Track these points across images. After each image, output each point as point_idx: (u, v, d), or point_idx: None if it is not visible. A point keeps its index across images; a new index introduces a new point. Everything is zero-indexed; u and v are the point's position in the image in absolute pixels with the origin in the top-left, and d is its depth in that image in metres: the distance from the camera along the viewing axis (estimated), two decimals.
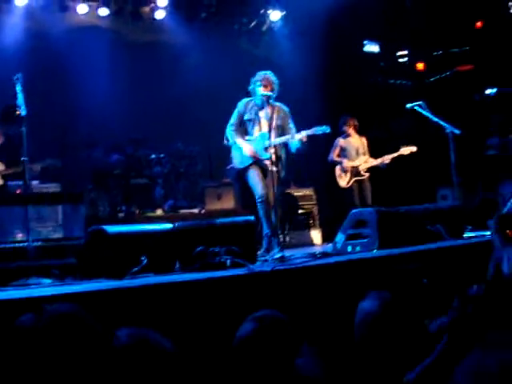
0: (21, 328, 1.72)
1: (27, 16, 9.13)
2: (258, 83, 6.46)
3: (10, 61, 7.99)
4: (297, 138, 6.31)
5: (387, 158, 8.42)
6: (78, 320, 1.73)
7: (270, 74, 6.50)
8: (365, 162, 8.63)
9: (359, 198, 8.57)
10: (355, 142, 8.77)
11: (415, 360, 2.03)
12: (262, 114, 6.52)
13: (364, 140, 8.83)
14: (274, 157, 6.13)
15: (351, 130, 8.78)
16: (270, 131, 6.31)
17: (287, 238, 8.64)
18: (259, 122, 6.51)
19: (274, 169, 6.08)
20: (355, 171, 8.61)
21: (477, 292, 2.12)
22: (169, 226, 5.10)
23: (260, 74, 6.52)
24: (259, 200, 6.32)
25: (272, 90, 6.39)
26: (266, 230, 6.29)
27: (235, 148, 6.57)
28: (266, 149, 6.36)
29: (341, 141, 8.78)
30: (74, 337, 1.68)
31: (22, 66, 5.84)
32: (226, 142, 6.68)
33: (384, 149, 8.61)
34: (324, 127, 6.37)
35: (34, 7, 9.23)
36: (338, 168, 8.73)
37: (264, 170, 6.42)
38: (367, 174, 8.61)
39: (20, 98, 5.21)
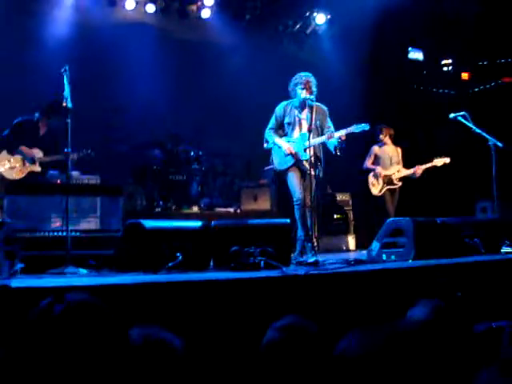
0: (38, 314, 1.74)
1: (76, 9, 9.29)
2: (299, 86, 6.44)
3: (59, 53, 8.15)
4: (335, 136, 6.27)
5: (419, 169, 8.42)
6: (96, 309, 1.74)
7: (310, 76, 6.48)
8: (397, 171, 8.65)
9: (391, 206, 8.57)
10: (390, 150, 8.80)
11: (463, 366, 2.00)
12: (302, 115, 6.52)
13: (399, 150, 8.85)
14: (313, 158, 6.13)
15: (386, 139, 8.81)
16: (309, 132, 6.29)
17: (321, 243, 8.62)
18: (299, 124, 6.51)
19: (313, 172, 6.08)
20: (388, 180, 8.62)
21: None
22: (205, 223, 5.14)
23: (301, 76, 6.49)
24: (297, 203, 6.30)
25: (312, 93, 6.37)
26: (300, 233, 6.29)
27: (275, 149, 6.57)
28: (305, 150, 6.35)
29: (376, 149, 8.83)
30: (91, 326, 1.69)
31: (70, 59, 5.93)
32: (265, 144, 6.70)
33: (422, 158, 8.52)
34: (363, 125, 6.31)
35: (83, 1, 9.38)
36: (371, 175, 8.73)
37: (303, 173, 6.40)
38: (399, 184, 8.63)
39: (66, 90, 5.29)
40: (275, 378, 1.92)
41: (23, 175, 6.83)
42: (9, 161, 6.80)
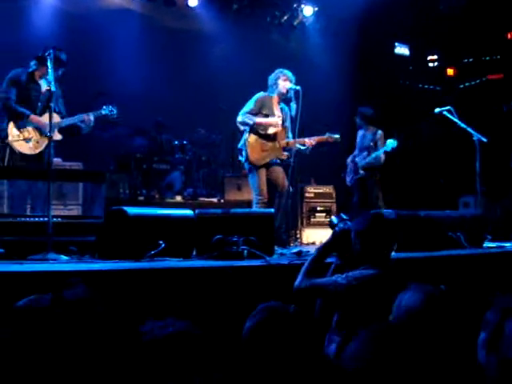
0: (38, 309, 1.71)
1: None
2: (278, 80, 6.47)
3: (43, 39, 8.03)
4: (307, 143, 6.51)
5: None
6: (97, 307, 1.73)
7: (282, 69, 6.54)
8: (363, 158, 7.95)
9: (360, 198, 7.98)
10: (361, 135, 8.14)
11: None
12: (277, 111, 6.55)
13: (378, 133, 7.96)
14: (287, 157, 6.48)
15: (362, 122, 8.12)
16: (285, 131, 6.57)
17: (304, 235, 8.62)
18: (278, 121, 6.54)
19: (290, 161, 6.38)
20: (354, 168, 8.06)
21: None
22: (189, 212, 5.11)
23: (276, 73, 6.54)
24: (262, 201, 6.33)
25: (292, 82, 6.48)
26: None
27: (251, 143, 6.47)
28: (283, 148, 6.54)
29: (358, 133, 8.23)
30: (93, 323, 1.68)
31: (54, 44, 5.83)
32: (242, 127, 6.56)
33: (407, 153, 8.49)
34: (336, 136, 6.68)
35: None
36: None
37: (272, 166, 6.49)
38: (363, 173, 7.94)
39: (50, 74, 5.21)
40: (259, 357, 1.90)
41: (42, 148, 5.91)
42: (21, 132, 5.88)
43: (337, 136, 6.70)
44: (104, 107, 6.15)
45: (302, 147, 6.56)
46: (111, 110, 6.17)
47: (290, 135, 6.56)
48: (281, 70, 6.53)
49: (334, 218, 3.66)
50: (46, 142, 5.73)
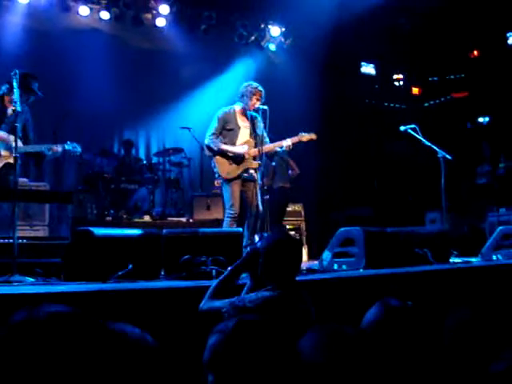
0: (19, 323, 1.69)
1: (29, 14, 9.13)
2: (253, 95, 6.45)
3: (9, 58, 7.98)
4: (284, 145, 6.47)
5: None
6: (78, 320, 1.72)
7: (262, 89, 6.53)
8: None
9: None
10: None
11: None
12: (244, 123, 6.54)
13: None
14: (261, 165, 6.38)
15: None
16: (255, 139, 6.47)
17: None
18: (242, 132, 6.52)
19: (259, 180, 6.30)
20: None
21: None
22: (156, 232, 5.07)
23: (256, 86, 6.51)
24: (233, 216, 6.30)
25: (261, 102, 6.47)
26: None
27: (218, 158, 6.47)
28: (254, 158, 6.45)
29: None
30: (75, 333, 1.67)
31: (21, 64, 5.79)
32: (207, 152, 6.59)
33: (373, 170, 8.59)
34: (310, 133, 6.59)
35: (36, 6, 9.23)
36: None
37: (246, 181, 6.45)
38: None
39: (16, 94, 5.14)
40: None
41: None
42: None
43: (311, 134, 6.66)
44: (68, 142, 5.88)
45: (279, 149, 6.64)
46: (74, 147, 5.89)
47: (267, 140, 6.57)
48: (259, 86, 6.50)
49: (256, 237, 3.60)
50: (3, 162, 5.63)
